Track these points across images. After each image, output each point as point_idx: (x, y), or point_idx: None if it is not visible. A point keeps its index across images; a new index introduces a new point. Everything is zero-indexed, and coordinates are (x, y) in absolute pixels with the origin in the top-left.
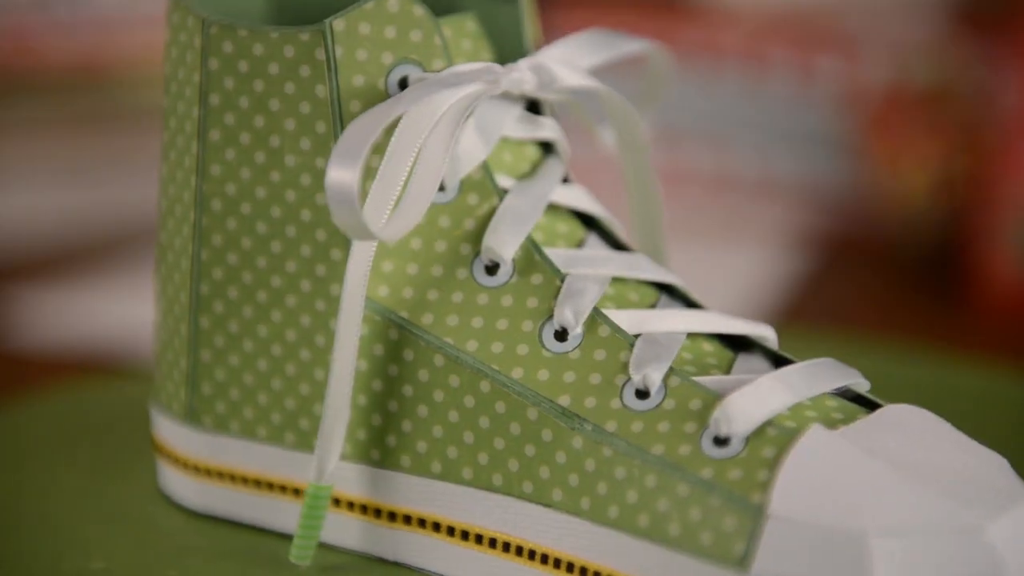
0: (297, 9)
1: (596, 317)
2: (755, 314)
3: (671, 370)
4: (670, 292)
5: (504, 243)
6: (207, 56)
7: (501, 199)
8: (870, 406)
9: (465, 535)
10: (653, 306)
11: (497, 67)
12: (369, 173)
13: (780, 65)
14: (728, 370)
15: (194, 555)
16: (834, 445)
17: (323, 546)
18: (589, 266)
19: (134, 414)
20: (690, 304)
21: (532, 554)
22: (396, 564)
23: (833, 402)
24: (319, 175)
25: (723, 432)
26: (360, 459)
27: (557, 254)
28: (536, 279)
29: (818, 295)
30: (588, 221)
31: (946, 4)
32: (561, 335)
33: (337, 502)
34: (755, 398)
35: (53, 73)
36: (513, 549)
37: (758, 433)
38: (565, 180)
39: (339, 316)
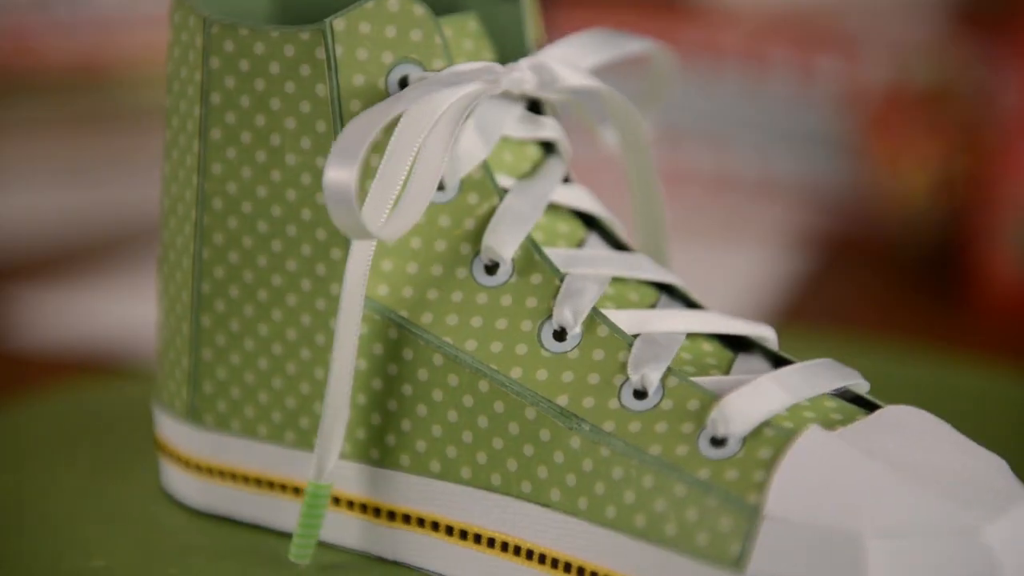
0: (300, 9)
1: (595, 317)
2: (755, 314)
3: (669, 370)
4: (670, 292)
5: (504, 243)
6: (208, 55)
7: (501, 199)
8: (869, 407)
9: (464, 534)
10: (653, 306)
11: (497, 67)
12: (369, 172)
13: (780, 65)
14: (727, 370)
15: (195, 554)
16: (831, 446)
17: (322, 545)
18: (589, 266)
19: (134, 414)
20: (690, 304)
21: (530, 554)
22: (395, 563)
23: (832, 403)
24: (319, 174)
25: (720, 433)
26: (359, 458)
27: (557, 254)
28: (535, 279)
29: (818, 295)
30: (589, 221)
31: (946, 4)
32: (560, 335)
33: (337, 501)
34: (752, 399)
35: (53, 73)
36: (511, 549)
37: (755, 434)
38: (566, 180)
39: (338, 315)
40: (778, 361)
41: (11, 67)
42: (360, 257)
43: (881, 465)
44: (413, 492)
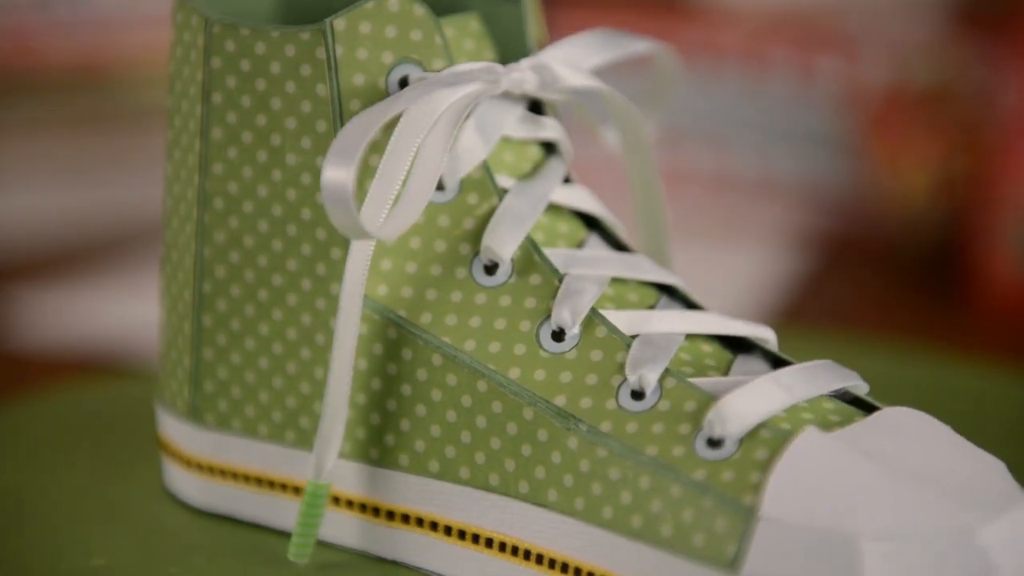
0: (304, 9)
1: (593, 318)
2: (755, 314)
3: (667, 371)
4: (671, 293)
5: (503, 243)
6: (210, 55)
7: (501, 199)
8: (868, 409)
9: (462, 534)
10: (653, 307)
11: (498, 67)
12: (368, 172)
13: (780, 65)
14: (726, 371)
15: (195, 552)
16: (827, 447)
17: (322, 544)
18: (588, 266)
19: (134, 414)
20: (690, 305)
21: (527, 554)
22: (394, 563)
23: (830, 404)
24: (319, 174)
25: (717, 434)
26: (359, 458)
27: (556, 254)
28: (535, 279)
29: (818, 295)
30: (590, 222)
31: (946, 4)
32: (558, 335)
33: (336, 500)
34: (749, 400)
35: (53, 73)
36: (509, 549)
37: (752, 435)
38: (567, 180)
39: (338, 315)
40: (778, 362)
41: (11, 67)
42: (359, 257)
43: (878, 467)
44: (412, 492)
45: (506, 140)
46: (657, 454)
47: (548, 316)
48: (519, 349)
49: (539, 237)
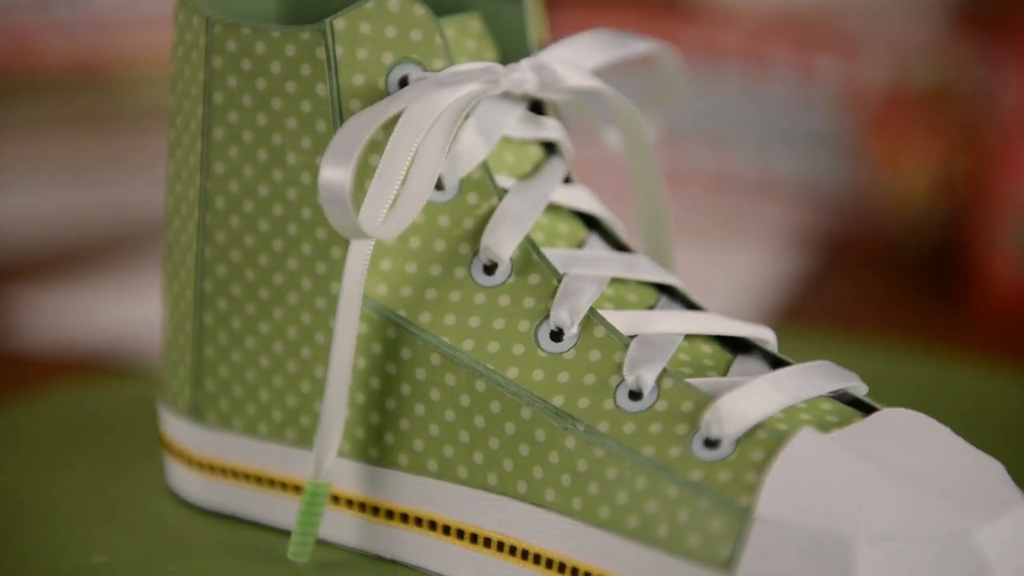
0: (308, 10)
1: (592, 318)
2: (755, 314)
3: (665, 371)
4: (671, 294)
5: (502, 243)
6: (211, 54)
7: (500, 199)
8: (867, 410)
9: (460, 534)
10: (652, 307)
11: (498, 67)
12: (368, 171)
13: (780, 65)
14: (725, 372)
15: (195, 551)
16: (824, 448)
17: (321, 543)
18: (587, 267)
19: (134, 414)
20: (690, 306)
21: (525, 554)
22: (393, 562)
23: (828, 405)
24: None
25: (714, 434)
26: (358, 457)
27: (556, 254)
28: (534, 279)
29: (818, 295)
30: (590, 222)
31: (946, 4)
32: (557, 335)
33: (336, 499)
34: (747, 400)
35: (53, 73)
36: (507, 549)
37: (748, 435)
38: (567, 180)
39: (337, 314)
40: (777, 363)
41: (11, 67)
42: (358, 256)
43: (874, 468)
44: (411, 491)
45: (506, 140)
46: (654, 454)
47: (547, 316)
48: (517, 349)
49: (539, 237)
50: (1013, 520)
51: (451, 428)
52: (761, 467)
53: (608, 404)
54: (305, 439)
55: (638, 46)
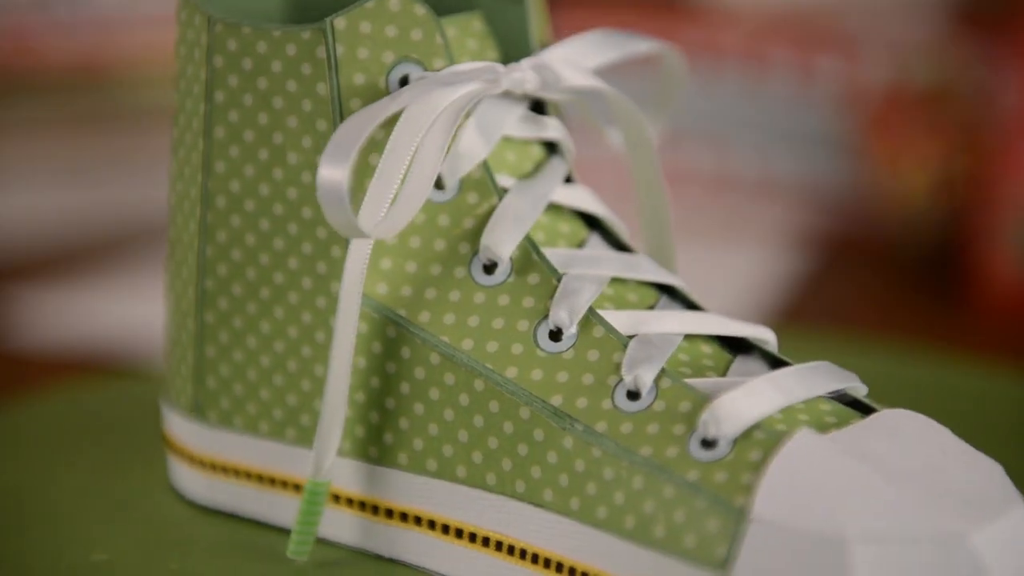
0: (313, 9)
1: (591, 317)
2: (755, 314)
3: (663, 371)
4: (671, 294)
5: (502, 242)
6: (212, 53)
7: (501, 198)
8: (866, 411)
9: (460, 533)
10: (652, 307)
11: (498, 67)
12: (369, 170)
13: (780, 65)
14: (724, 372)
15: (196, 549)
16: (821, 449)
17: (321, 541)
18: (587, 266)
19: (134, 414)
20: (691, 306)
21: (523, 553)
22: (392, 561)
23: (827, 406)
24: None
25: (711, 434)
26: (358, 456)
27: (556, 254)
28: (533, 279)
29: (818, 295)
30: (592, 222)
31: (946, 4)
32: (556, 335)
33: (336, 498)
34: (744, 401)
35: (53, 73)
36: (505, 548)
37: (746, 436)
38: (569, 180)
39: (337, 313)
40: (777, 364)
41: (11, 67)
42: (358, 255)
43: (871, 469)
44: (410, 490)
45: (507, 140)
46: (651, 454)
47: (546, 316)
48: (516, 348)
49: (539, 237)
50: (1010, 522)
51: (450, 427)
52: (758, 467)
53: (606, 404)
54: (305, 438)
55: (640, 46)
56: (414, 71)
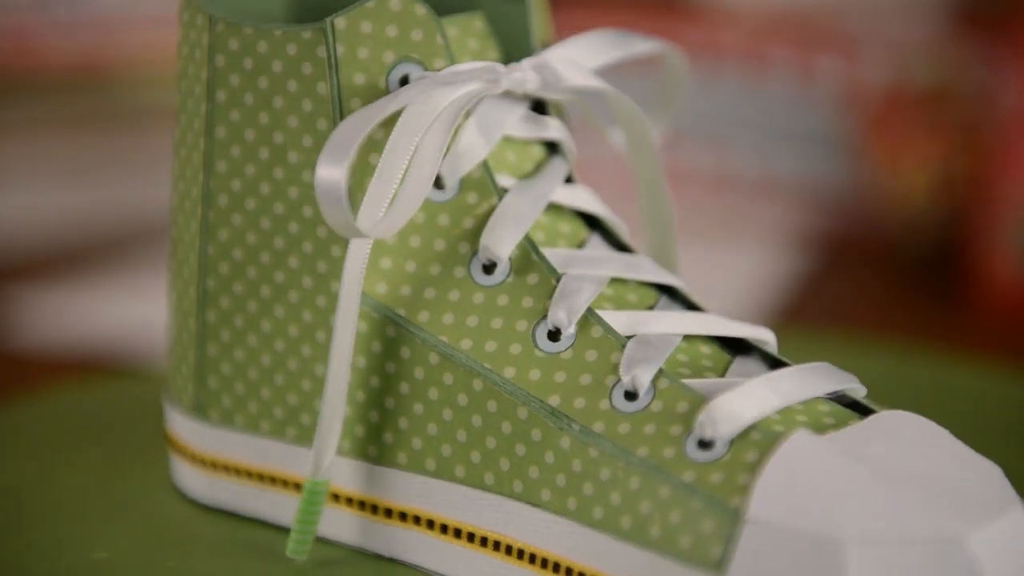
0: (316, 10)
1: (589, 318)
2: (755, 314)
3: (661, 372)
4: (671, 294)
5: (501, 242)
6: (214, 53)
7: (500, 198)
8: (865, 412)
9: (458, 533)
10: (652, 308)
11: (499, 66)
12: (369, 170)
13: (780, 65)
14: (723, 373)
15: (196, 548)
16: (817, 450)
17: (320, 541)
18: (587, 267)
19: (134, 414)
20: (691, 306)
21: (521, 553)
22: (391, 560)
23: (826, 407)
24: None
25: (707, 435)
26: (357, 455)
27: (555, 254)
28: (532, 279)
29: (818, 295)
30: (592, 222)
31: (946, 4)
32: (554, 335)
33: (335, 497)
34: (741, 401)
35: (53, 73)
36: (503, 548)
37: (742, 437)
38: (570, 180)
39: (336, 312)
40: (776, 365)
41: (11, 67)
42: (357, 255)
43: (868, 470)
44: (409, 490)
45: (508, 140)
46: (648, 455)
47: (544, 316)
48: (515, 348)
49: (540, 237)
50: (1007, 524)
51: (449, 427)
52: (754, 468)
53: (604, 404)
54: (306, 437)
55: (642, 46)
56: (414, 71)
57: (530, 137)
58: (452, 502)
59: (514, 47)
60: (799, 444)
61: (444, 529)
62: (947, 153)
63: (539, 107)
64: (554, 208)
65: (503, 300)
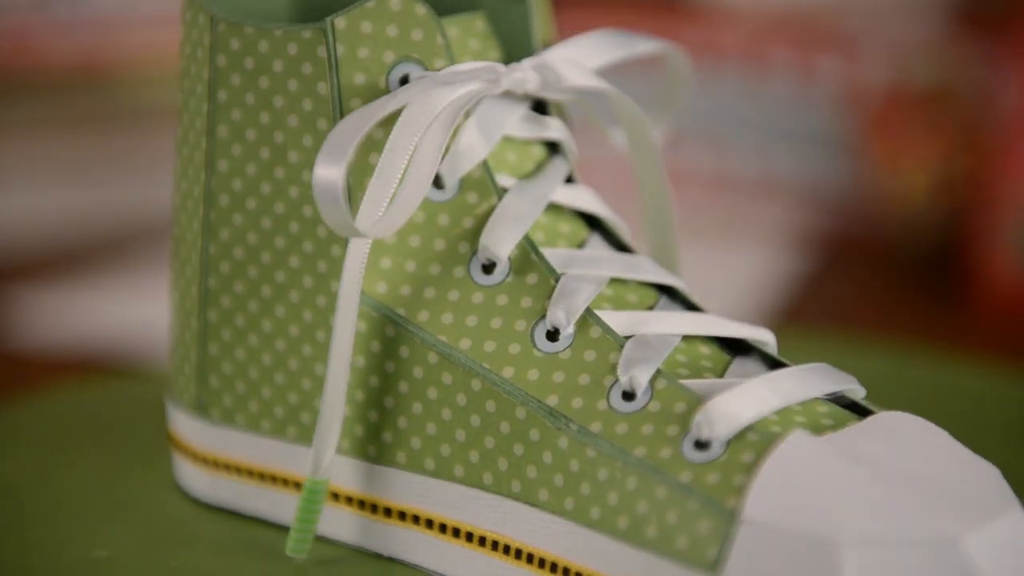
0: (319, 10)
1: (588, 318)
2: (755, 314)
3: (659, 372)
4: (671, 294)
5: (500, 242)
6: (215, 53)
7: (500, 198)
8: (864, 413)
9: (457, 532)
10: (651, 308)
11: (499, 66)
12: (369, 170)
13: (780, 65)
14: (722, 374)
15: (195, 546)
16: (815, 450)
17: (319, 539)
18: (586, 267)
19: (134, 413)
20: (691, 307)
21: (519, 553)
22: (390, 559)
23: (824, 408)
24: None
25: (704, 436)
26: (357, 454)
27: (555, 254)
28: (531, 279)
29: (818, 295)
30: (593, 222)
31: (946, 4)
32: (553, 335)
33: (335, 496)
34: (738, 402)
35: (53, 73)
36: (501, 548)
37: (739, 437)
38: (570, 180)
39: (336, 312)
40: (776, 365)
41: (11, 67)
42: (357, 254)
43: (864, 471)
44: (408, 489)
45: (508, 139)
46: (645, 455)
47: (543, 316)
48: (513, 348)
49: (540, 237)
50: (1006, 525)
51: (448, 427)
52: (750, 469)
53: (601, 404)
54: (306, 436)
55: (644, 46)
56: (414, 71)
57: (531, 137)
58: (451, 501)
59: (516, 47)
60: (796, 445)
61: (443, 528)
62: (947, 153)
63: (540, 107)
64: (554, 208)
65: (502, 300)
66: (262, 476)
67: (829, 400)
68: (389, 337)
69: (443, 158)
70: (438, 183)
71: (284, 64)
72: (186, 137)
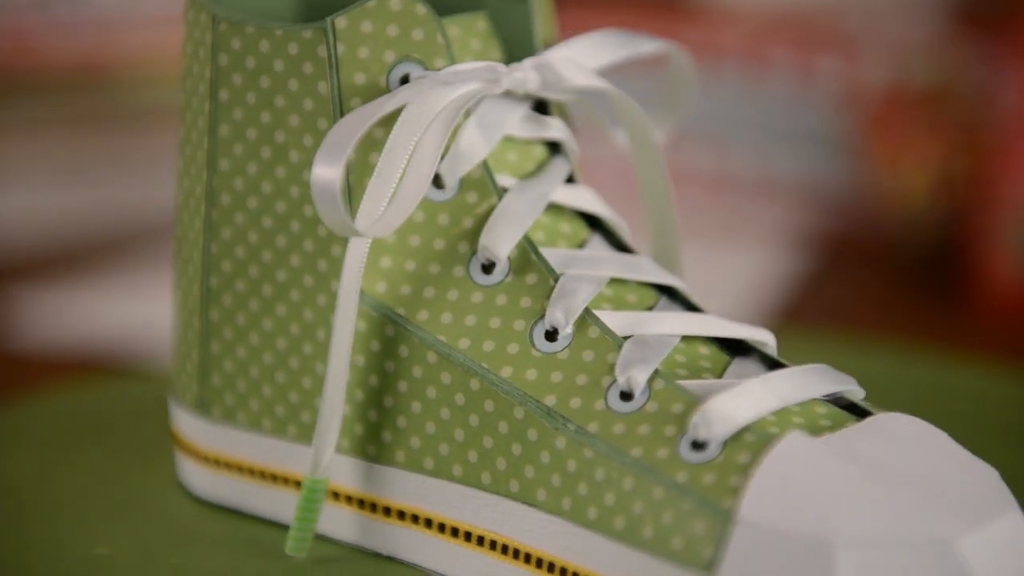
0: (322, 10)
1: (587, 318)
2: (755, 314)
3: (657, 373)
4: (671, 295)
5: (500, 241)
6: (217, 52)
7: (500, 198)
8: (863, 414)
9: (455, 532)
10: (651, 308)
11: (499, 66)
12: (369, 169)
13: (780, 65)
14: (721, 374)
15: (196, 545)
16: (811, 451)
17: (319, 538)
18: (586, 267)
19: (135, 413)
20: (691, 307)
21: (517, 553)
22: (389, 558)
23: (822, 409)
24: None
25: (701, 436)
26: (356, 453)
27: (554, 254)
28: (531, 279)
29: (818, 295)
30: (594, 222)
31: (946, 4)
32: (551, 335)
33: (335, 495)
34: (735, 402)
35: (53, 73)
36: (499, 547)
37: (736, 438)
38: (571, 180)
39: (335, 311)
40: (775, 366)
41: (11, 67)
42: (356, 254)
43: (862, 472)
44: (407, 488)
45: (509, 139)
46: (642, 456)
47: (542, 316)
48: (512, 348)
49: (540, 237)
50: (1004, 526)
51: (446, 426)
52: (746, 470)
53: (599, 405)
54: (306, 435)
55: (646, 46)
56: (415, 70)
57: (531, 137)
58: (449, 501)
59: (517, 47)
60: (793, 445)
61: (441, 528)
62: (947, 153)
63: (541, 107)
64: (555, 208)
65: (501, 300)
66: (263, 474)
67: (828, 401)
68: (389, 336)
69: (443, 158)
70: (438, 183)
71: (285, 64)
72: (188, 136)
